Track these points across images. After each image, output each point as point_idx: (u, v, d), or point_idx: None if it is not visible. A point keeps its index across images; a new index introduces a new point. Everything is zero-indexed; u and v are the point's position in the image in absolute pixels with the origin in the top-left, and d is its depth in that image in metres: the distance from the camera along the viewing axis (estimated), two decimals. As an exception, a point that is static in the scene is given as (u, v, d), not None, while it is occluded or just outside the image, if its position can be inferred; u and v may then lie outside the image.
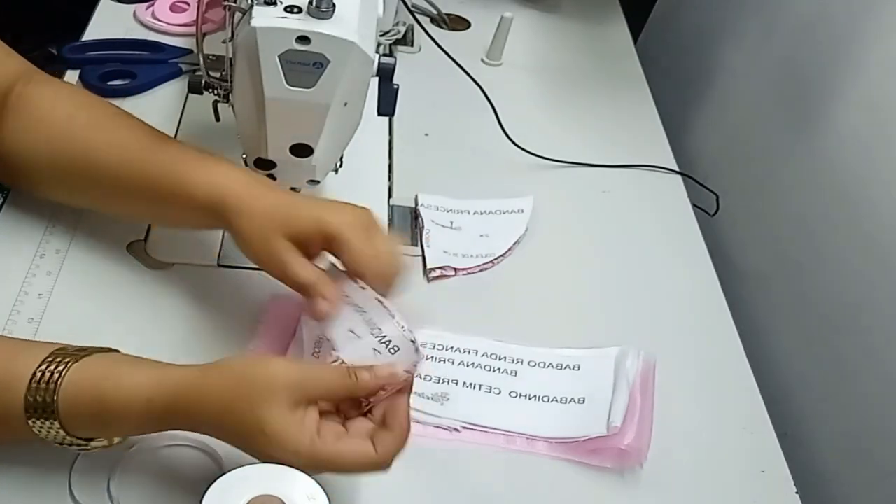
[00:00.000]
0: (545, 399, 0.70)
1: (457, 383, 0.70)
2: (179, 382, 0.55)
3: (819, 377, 0.88)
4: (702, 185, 0.98)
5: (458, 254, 0.81)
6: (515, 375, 0.72)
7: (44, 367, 0.55)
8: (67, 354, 0.56)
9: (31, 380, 0.54)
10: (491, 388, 0.70)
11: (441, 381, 0.70)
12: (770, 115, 1.04)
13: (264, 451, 0.54)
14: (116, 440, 0.58)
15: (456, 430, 0.67)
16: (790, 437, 0.76)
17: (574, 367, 0.73)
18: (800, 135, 0.97)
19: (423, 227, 0.83)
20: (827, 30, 0.95)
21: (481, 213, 0.86)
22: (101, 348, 0.58)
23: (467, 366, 0.72)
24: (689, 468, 0.68)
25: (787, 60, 1.02)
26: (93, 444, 0.57)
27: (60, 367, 0.55)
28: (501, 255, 0.82)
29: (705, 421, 0.72)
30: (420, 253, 0.81)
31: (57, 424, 0.55)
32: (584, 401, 0.70)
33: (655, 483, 0.66)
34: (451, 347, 0.72)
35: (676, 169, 0.97)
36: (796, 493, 0.68)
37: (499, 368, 0.72)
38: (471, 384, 0.70)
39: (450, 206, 0.86)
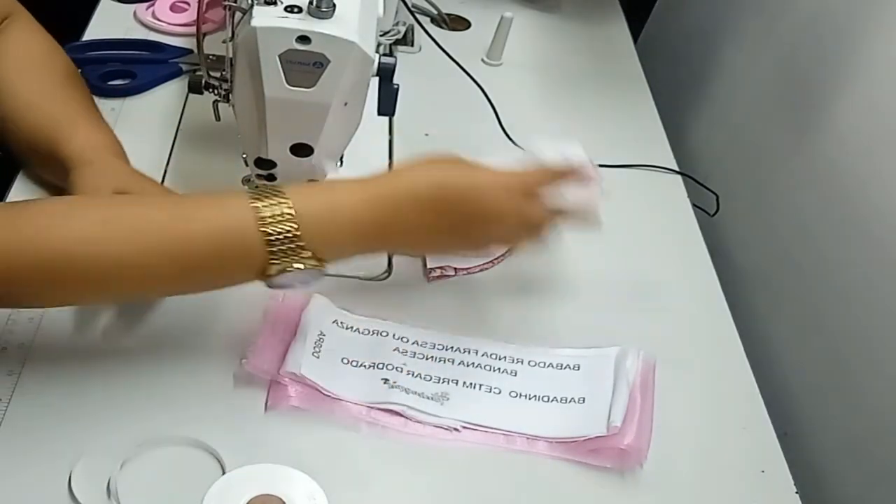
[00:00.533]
0: (545, 399, 0.70)
1: (457, 383, 0.70)
2: (381, 184, 0.62)
3: (819, 377, 0.88)
4: (702, 185, 0.98)
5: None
6: (515, 375, 0.71)
7: (259, 204, 0.56)
8: (263, 191, 0.58)
9: (260, 220, 0.56)
10: (491, 388, 0.70)
11: (441, 381, 0.70)
12: (770, 115, 1.04)
13: (487, 208, 0.64)
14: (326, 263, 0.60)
15: (456, 430, 0.67)
16: (790, 437, 0.76)
17: (574, 367, 0.73)
18: (800, 135, 0.97)
19: (423, 227, 0.83)
20: (827, 29, 0.95)
21: (481, 213, 0.86)
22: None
23: (467, 366, 0.72)
24: (689, 468, 0.68)
25: (787, 60, 1.02)
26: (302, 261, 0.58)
27: (278, 197, 0.57)
28: (501, 255, 0.82)
29: (705, 421, 0.72)
30: (420, 253, 0.81)
31: (302, 246, 0.57)
32: (584, 401, 0.70)
33: (655, 483, 0.66)
34: (451, 347, 0.72)
35: (676, 169, 0.97)
36: (796, 493, 0.68)
37: (499, 368, 0.72)
38: (471, 384, 0.70)
39: (450, 206, 0.86)
